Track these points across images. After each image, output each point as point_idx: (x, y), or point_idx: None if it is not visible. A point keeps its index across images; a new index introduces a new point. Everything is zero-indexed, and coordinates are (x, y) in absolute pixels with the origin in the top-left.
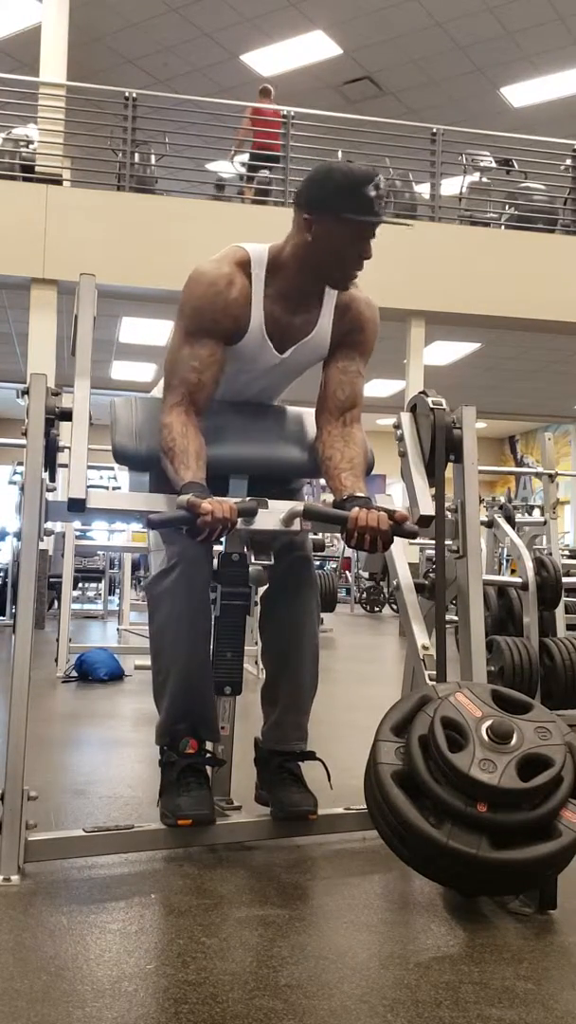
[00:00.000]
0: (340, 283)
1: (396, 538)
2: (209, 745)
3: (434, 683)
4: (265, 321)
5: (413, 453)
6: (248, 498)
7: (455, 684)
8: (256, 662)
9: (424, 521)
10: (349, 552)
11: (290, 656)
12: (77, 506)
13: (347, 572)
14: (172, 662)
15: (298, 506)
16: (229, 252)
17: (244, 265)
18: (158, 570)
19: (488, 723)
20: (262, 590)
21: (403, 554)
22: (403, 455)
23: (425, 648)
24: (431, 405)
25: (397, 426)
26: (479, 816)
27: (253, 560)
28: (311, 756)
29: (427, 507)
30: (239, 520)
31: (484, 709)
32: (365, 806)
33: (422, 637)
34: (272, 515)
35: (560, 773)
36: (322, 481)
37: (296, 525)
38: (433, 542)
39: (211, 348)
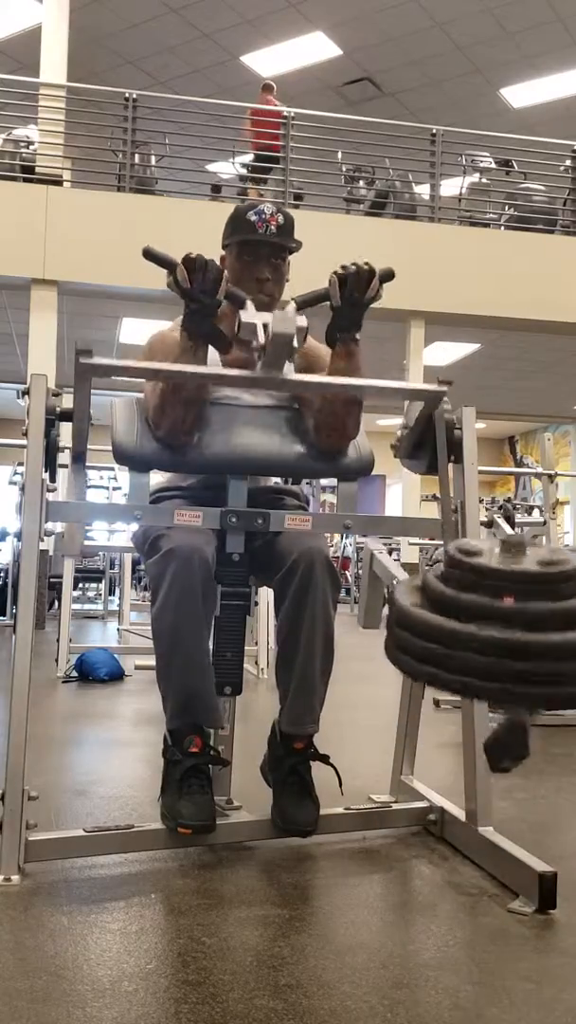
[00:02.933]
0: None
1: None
2: (213, 739)
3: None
4: (221, 362)
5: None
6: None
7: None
8: (256, 662)
9: (435, 397)
10: (349, 552)
11: (301, 636)
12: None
13: (347, 572)
14: (171, 646)
15: (289, 303)
16: (179, 318)
17: None
18: (156, 555)
19: (500, 543)
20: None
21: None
22: (406, 428)
23: None
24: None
25: (405, 427)
26: (508, 609)
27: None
28: (324, 759)
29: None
30: (243, 316)
31: (492, 542)
32: (365, 805)
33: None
34: (287, 320)
35: None
36: (323, 481)
37: (301, 321)
38: (433, 542)
39: None
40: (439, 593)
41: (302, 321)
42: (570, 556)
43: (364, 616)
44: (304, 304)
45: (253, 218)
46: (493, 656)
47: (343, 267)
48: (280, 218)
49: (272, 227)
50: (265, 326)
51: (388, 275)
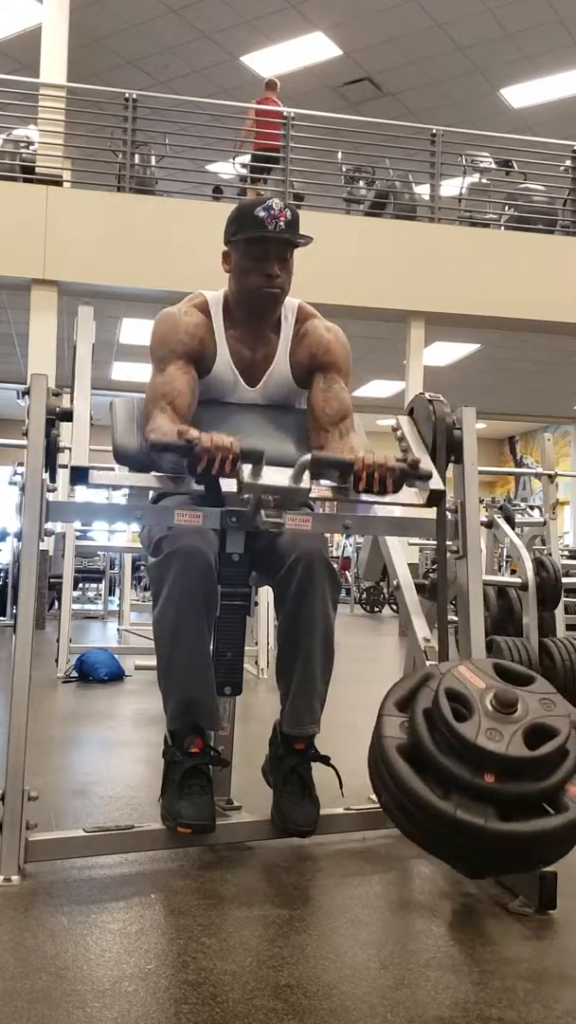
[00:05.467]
0: (255, 306)
1: (398, 537)
2: (213, 740)
3: (436, 663)
4: (230, 355)
5: (416, 445)
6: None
7: (457, 660)
8: (256, 662)
9: (436, 496)
10: (349, 552)
11: (301, 637)
12: (81, 477)
13: (347, 572)
14: (172, 648)
15: (305, 457)
16: (188, 297)
17: (202, 306)
18: (158, 556)
19: (492, 693)
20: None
21: (402, 554)
22: (405, 451)
23: (427, 640)
24: (430, 399)
25: (396, 428)
26: (486, 786)
27: (263, 519)
28: (325, 760)
29: (438, 483)
30: (247, 473)
31: (487, 681)
32: (365, 805)
33: (423, 630)
34: (281, 473)
35: (565, 745)
36: (323, 481)
37: (305, 482)
38: (432, 543)
39: (181, 366)
40: (425, 751)
41: (306, 482)
42: (559, 721)
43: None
44: (323, 465)
45: (262, 214)
46: (463, 836)
47: (367, 465)
48: (288, 213)
49: (281, 223)
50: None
51: (413, 476)
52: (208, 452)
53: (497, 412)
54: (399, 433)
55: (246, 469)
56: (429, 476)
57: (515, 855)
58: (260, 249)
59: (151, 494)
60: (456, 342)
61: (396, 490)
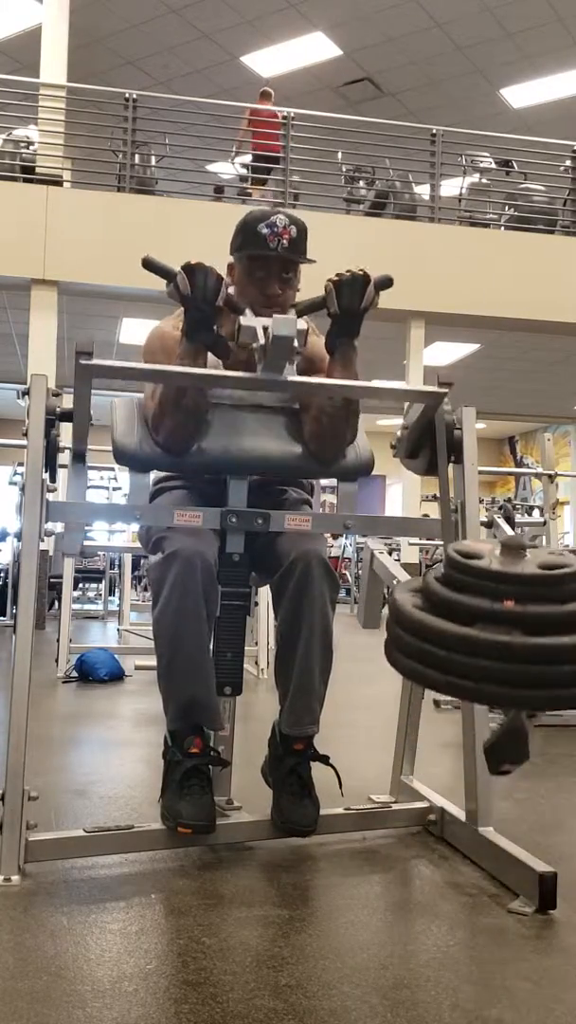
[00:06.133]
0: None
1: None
2: (212, 741)
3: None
4: (224, 365)
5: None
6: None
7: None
8: (256, 662)
9: (443, 388)
10: (349, 552)
11: (300, 637)
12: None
13: (346, 573)
14: (172, 649)
15: (290, 313)
16: (177, 312)
17: None
18: (158, 556)
19: (500, 545)
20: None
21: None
22: (406, 429)
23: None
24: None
25: (405, 427)
26: (507, 612)
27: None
28: (324, 760)
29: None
30: (242, 319)
31: (492, 544)
32: (365, 805)
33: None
34: (288, 321)
35: None
36: (323, 481)
37: (300, 324)
38: (432, 543)
39: None
40: (439, 595)
41: (302, 324)
42: (570, 559)
43: (364, 616)
44: (302, 312)
45: (265, 231)
46: (492, 660)
47: (338, 275)
48: (293, 230)
49: (284, 240)
50: (265, 329)
51: (384, 283)
52: (193, 268)
53: (497, 412)
54: (399, 434)
55: (242, 319)
56: (390, 282)
57: (545, 674)
58: (261, 268)
59: (150, 490)
60: (456, 342)
61: (368, 282)
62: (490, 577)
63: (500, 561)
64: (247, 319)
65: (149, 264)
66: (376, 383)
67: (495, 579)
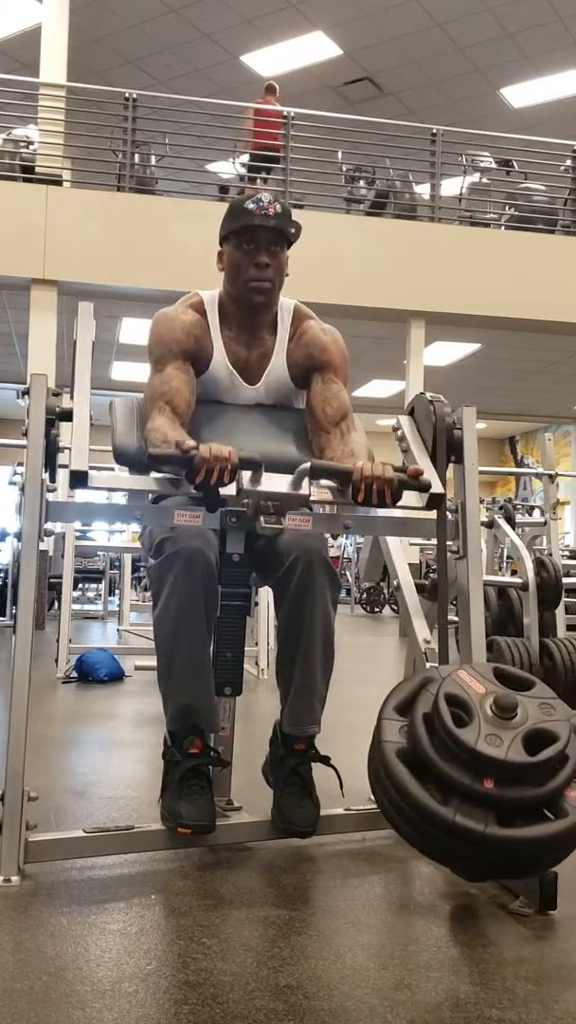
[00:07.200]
0: (247, 300)
1: (399, 537)
2: (212, 740)
3: (436, 666)
4: (227, 354)
5: (416, 449)
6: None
7: (457, 664)
8: (256, 662)
9: (435, 500)
10: (349, 552)
11: (301, 637)
12: (80, 481)
13: (346, 573)
14: (172, 650)
15: (305, 465)
16: (184, 298)
17: (198, 306)
18: (159, 558)
19: (492, 698)
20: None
21: (402, 554)
22: (406, 452)
23: (427, 642)
24: (431, 399)
25: (396, 428)
26: (486, 792)
27: (263, 524)
28: (325, 760)
29: (438, 486)
30: (246, 479)
31: (487, 686)
32: (365, 805)
33: (424, 632)
34: (280, 479)
35: (565, 750)
36: (323, 481)
37: (304, 489)
38: (433, 543)
39: (179, 365)
40: (425, 755)
41: (305, 489)
42: (559, 724)
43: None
44: (322, 475)
45: (251, 206)
46: (463, 842)
47: (365, 477)
48: (278, 207)
49: (270, 212)
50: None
51: (413, 486)
52: (207, 463)
53: (497, 412)
54: (399, 433)
55: (245, 476)
56: (429, 487)
57: (515, 860)
58: (249, 239)
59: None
60: (456, 342)
61: (395, 502)
62: (475, 758)
63: (489, 721)
64: (266, 480)
65: (157, 458)
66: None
67: (479, 761)
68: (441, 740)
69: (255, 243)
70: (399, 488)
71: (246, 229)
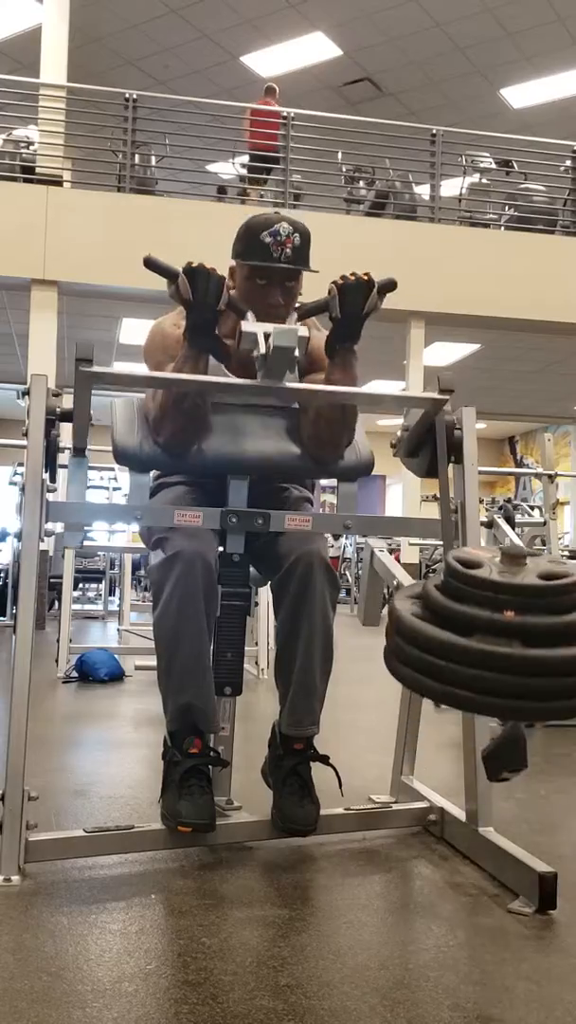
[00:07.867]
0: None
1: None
2: (212, 741)
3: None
4: (224, 365)
5: None
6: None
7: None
8: (256, 662)
9: (443, 395)
10: (349, 552)
11: (300, 637)
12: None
13: (347, 572)
14: (172, 650)
15: (290, 315)
16: (178, 310)
17: None
18: (158, 560)
19: (500, 552)
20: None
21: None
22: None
23: None
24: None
25: (406, 429)
26: (508, 622)
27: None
28: (325, 760)
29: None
30: (244, 325)
31: (492, 552)
32: (365, 805)
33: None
34: (289, 332)
35: None
36: (323, 481)
37: (301, 332)
38: (432, 542)
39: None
40: (439, 604)
41: (303, 331)
42: (570, 567)
43: (364, 613)
44: (304, 315)
45: (268, 240)
46: (492, 671)
47: (342, 277)
48: (296, 239)
49: (287, 250)
50: (267, 337)
51: (388, 286)
52: (196, 271)
53: (497, 412)
54: (399, 434)
55: (243, 324)
56: (392, 285)
57: (544, 686)
58: (263, 277)
59: (150, 486)
60: (456, 342)
61: (371, 288)
62: (490, 587)
63: (500, 570)
64: (248, 324)
65: (151, 263)
66: (377, 390)
67: (495, 589)
68: (455, 589)
69: (269, 279)
70: (370, 279)
71: (261, 268)
